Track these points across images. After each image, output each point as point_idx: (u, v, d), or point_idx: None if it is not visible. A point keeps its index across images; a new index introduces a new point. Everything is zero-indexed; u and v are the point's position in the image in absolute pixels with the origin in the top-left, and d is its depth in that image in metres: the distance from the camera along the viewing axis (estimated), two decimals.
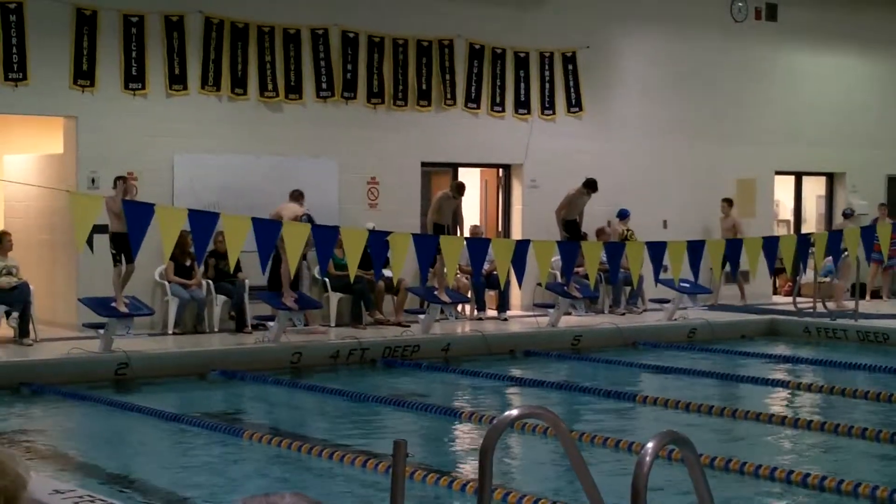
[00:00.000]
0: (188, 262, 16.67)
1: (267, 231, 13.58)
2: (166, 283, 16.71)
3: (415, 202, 19.31)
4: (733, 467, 9.54)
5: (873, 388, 13.63)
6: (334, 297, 17.75)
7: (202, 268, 16.67)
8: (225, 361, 14.75)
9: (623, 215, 20.97)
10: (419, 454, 9.93)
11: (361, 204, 18.63)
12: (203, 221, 13.37)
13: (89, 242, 14.18)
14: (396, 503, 5.09)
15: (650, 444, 4.39)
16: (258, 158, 17.77)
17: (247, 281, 16.82)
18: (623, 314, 19.74)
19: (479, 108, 19.82)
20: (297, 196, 17.20)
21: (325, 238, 14.14)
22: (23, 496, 2.34)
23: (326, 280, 17.64)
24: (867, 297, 21.79)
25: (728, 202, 21.82)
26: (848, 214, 22.68)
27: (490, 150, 20.13)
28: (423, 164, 19.56)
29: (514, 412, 5.10)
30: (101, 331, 14.69)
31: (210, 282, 16.93)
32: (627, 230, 20.77)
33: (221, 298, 17.01)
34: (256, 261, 13.81)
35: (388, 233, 14.59)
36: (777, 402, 13.64)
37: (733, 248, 16.99)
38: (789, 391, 14.05)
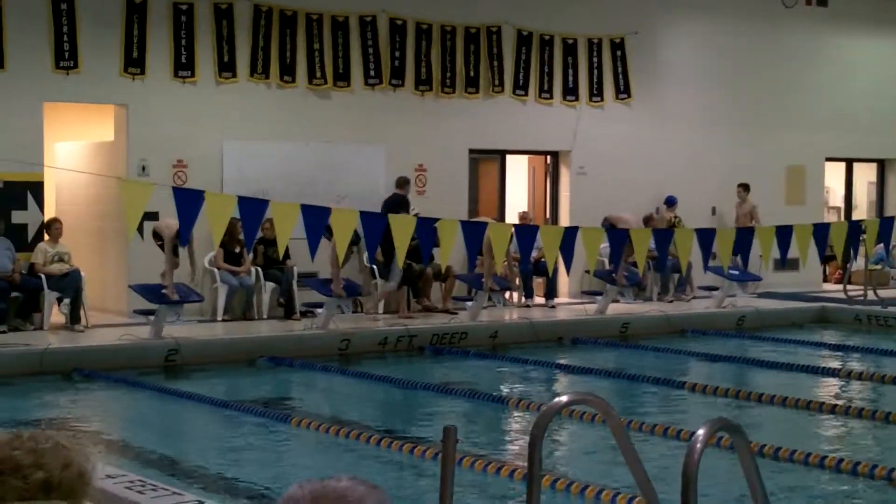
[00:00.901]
0: (237, 249, 16.76)
1: (316, 218, 13.61)
2: (215, 270, 16.81)
3: (462, 189, 19.30)
4: (783, 455, 9.49)
5: None
6: (382, 285, 17.77)
7: (251, 255, 16.75)
8: (273, 348, 14.82)
9: (671, 202, 20.86)
10: (468, 441, 9.94)
11: (411, 191, 18.63)
12: (252, 208, 13.42)
13: (139, 230, 14.30)
14: (446, 489, 5.09)
15: (701, 431, 4.38)
16: (307, 146, 17.83)
17: (295, 268, 16.88)
18: (671, 301, 19.66)
19: (526, 94, 19.78)
20: (401, 183, 17.79)
21: (372, 226, 14.16)
22: (84, 491, 2.34)
23: (374, 267, 17.67)
24: None
25: (744, 187, 21.52)
26: None
27: (538, 137, 20.09)
28: (471, 151, 19.55)
29: (564, 399, 5.10)
30: (152, 317, 14.80)
31: (259, 269, 17.01)
32: (675, 217, 20.66)
33: (270, 285, 17.08)
34: (305, 248, 13.85)
35: (436, 220, 14.60)
36: (827, 390, 13.55)
37: (783, 235, 16.85)
38: (840, 379, 13.95)
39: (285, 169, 17.55)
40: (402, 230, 14.11)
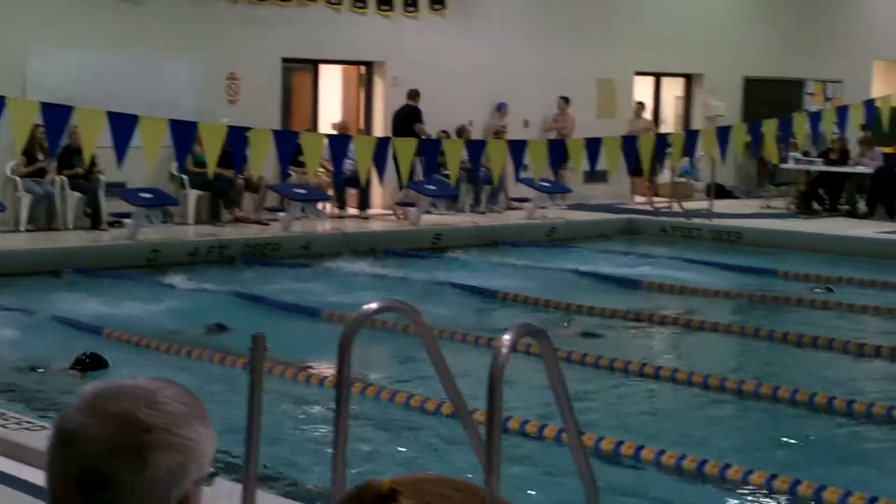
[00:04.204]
0: (41, 157, 16.25)
1: (123, 126, 13.27)
2: (18, 178, 16.28)
3: (275, 99, 19.04)
4: (589, 361, 9.72)
5: (726, 286, 13.99)
6: (193, 195, 17.49)
7: (55, 163, 16.27)
8: (80, 259, 14.48)
9: (501, 108, 21.00)
10: (279, 350, 9.92)
11: (221, 100, 18.31)
12: (56, 115, 13.02)
13: None
14: (255, 398, 5.05)
15: (507, 336, 4.41)
16: (115, 53, 17.30)
17: (102, 177, 16.46)
18: (484, 213, 19.83)
19: (341, 3, 19.54)
20: (413, 95, 19.34)
21: (182, 134, 13.88)
22: None
23: (185, 177, 17.36)
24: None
25: (565, 99, 21.77)
26: None
27: (352, 47, 19.90)
28: (284, 61, 19.27)
29: (374, 305, 5.07)
30: None
31: (64, 178, 16.54)
32: (502, 126, 20.79)
33: (76, 195, 16.64)
34: (113, 157, 13.50)
35: (247, 129, 14.39)
36: (633, 299, 13.90)
37: (593, 147, 17.12)
38: (645, 289, 14.31)
39: (93, 77, 17.00)
40: (212, 139, 13.87)
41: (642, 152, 17.47)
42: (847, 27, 26.16)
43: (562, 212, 20.05)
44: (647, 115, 22.87)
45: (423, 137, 17.96)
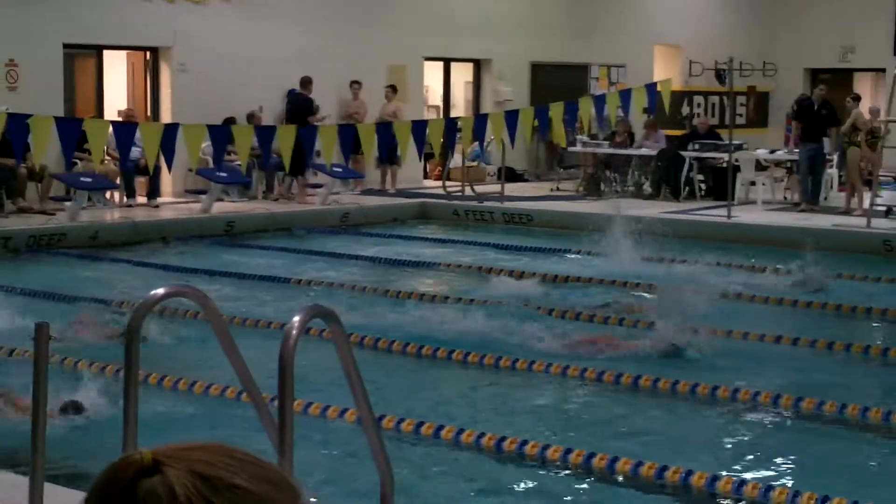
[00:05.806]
0: None
1: None
2: None
3: (57, 86, 18.48)
4: (381, 346, 9.76)
5: (517, 266, 14.22)
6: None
7: None
8: None
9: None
10: (67, 341, 9.69)
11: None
12: None
13: None
14: (40, 388, 4.92)
15: (296, 318, 4.40)
16: None
17: None
18: (276, 199, 19.68)
19: None
20: (305, 83, 19.49)
21: None
22: None
23: None
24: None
25: (359, 84, 21.71)
26: None
27: (137, 33, 19.45)
28: (66, 46, 18.72)
29: (161, 291, 5.00)
30: None
31: None
32: None
33: None
34: None
35: (28, 116, 13.95)
36: (427, 281, 14.01)
37: (384, 132, 17.16)
38: (440, 271, 14.43)
39: None
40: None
41: (432, 137, 17.59)
42: (629, 13, 26.85)
43: (355, 197, 20.06)
44: (399, 99, 22.49)
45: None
